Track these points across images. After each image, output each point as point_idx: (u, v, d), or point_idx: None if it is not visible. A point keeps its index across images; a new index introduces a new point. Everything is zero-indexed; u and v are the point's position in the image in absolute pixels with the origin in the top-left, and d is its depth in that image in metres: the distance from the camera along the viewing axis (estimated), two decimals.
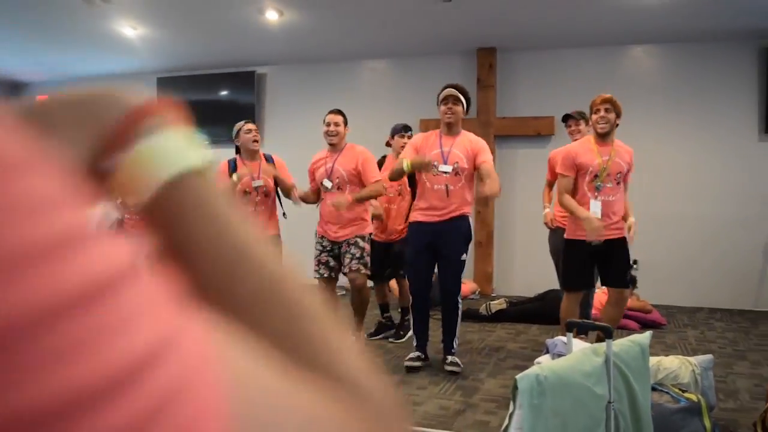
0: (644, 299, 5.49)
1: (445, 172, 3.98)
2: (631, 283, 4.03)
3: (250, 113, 7.83)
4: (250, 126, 4.65)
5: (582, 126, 4.80)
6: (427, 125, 6.27)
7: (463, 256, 4.10)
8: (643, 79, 6.64)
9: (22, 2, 5.76)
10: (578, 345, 3.34)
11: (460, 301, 4.19)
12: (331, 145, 4.51)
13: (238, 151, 4.68)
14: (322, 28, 6.62)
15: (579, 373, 2.14)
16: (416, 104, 6.72)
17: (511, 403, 2.07)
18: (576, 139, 4.75)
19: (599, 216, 3.95)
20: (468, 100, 4.16)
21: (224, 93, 8.23)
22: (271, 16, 6.15)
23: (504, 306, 5.72)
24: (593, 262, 4.07)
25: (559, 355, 3.31)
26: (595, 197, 4.04)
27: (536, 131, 6.70)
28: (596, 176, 4.02)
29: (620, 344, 2.32)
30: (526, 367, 4.16)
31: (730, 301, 6.32)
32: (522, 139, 6.80)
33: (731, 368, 4.23)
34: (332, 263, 4.51)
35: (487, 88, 7.03)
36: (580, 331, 2.65)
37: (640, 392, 2.33)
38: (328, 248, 4.51)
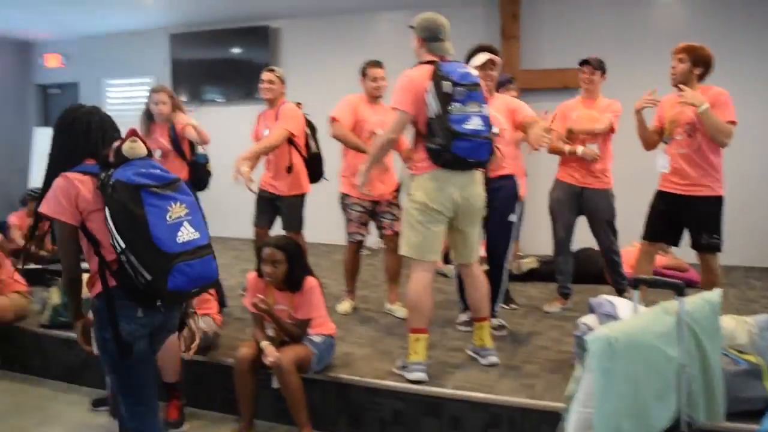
0: (680, 258, 5.27)
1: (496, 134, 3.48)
2: (708, 248, 3.70)
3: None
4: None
5: (597, 77, 4.46)
6: None
7: (511, 217, 3.92)
8: (675, 27, 6.31)
9: None
10: (621, 304, 3.17)
11: (505, 264, 4.01)
12: (376, 98, 4.37)
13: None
14: None
15: (651, 334, 1.96)
16: None
17: (578, 366, 1.89)
18: (587, 89, 4.47)
19: (667, 169, 3.76)
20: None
21: (238, 50, 7.99)
22: None
23: (536, 265, 5.53)
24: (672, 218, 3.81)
25: (607, 315, 3.13)
26: (664, 150, 3.81)
27: (562, 84, 6.39)
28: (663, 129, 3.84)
29: (692, 302, 2.13)
30: (565, 328, 4.02)
31: (764, 259, 6.10)
32: (547, 93, 6.48)
33: None
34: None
35: (511, 39, 6.72)
36: (635, 287, 2.47)
37: (711, 354, 2.15)
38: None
